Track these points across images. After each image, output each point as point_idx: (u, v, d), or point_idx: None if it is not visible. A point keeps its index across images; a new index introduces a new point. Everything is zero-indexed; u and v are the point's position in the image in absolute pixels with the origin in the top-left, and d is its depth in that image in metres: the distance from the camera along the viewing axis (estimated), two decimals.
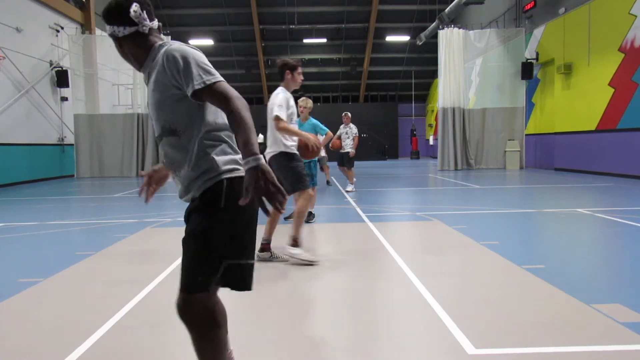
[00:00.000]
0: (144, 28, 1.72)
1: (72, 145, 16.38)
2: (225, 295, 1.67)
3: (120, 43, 1.74)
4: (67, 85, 15.69)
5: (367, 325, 2.78)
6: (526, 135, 16.96)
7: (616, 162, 12.07)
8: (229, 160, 1.69)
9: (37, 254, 4.89)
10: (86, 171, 16.37)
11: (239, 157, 1.72)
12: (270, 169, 1.47)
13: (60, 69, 15.55)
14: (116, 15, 1.68)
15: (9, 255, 4.83)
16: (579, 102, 13.66)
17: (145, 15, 1.71)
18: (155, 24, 1.79)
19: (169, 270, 4.00)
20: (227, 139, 1.74)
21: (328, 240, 5.25)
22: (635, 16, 11.21)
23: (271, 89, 28.97)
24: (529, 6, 16.13)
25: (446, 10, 17.19)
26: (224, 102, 1.57)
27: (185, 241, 1.68)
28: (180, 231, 5.81)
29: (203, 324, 1.67)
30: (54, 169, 15.51)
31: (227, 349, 1.96)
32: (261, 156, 1.48)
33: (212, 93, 1.58)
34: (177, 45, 1.67)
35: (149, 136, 16.65)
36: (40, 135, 14.76)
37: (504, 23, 18.06)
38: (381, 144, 27.81)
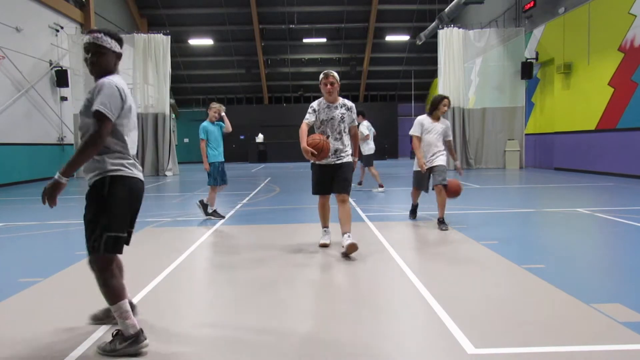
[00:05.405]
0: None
1: (71, 145, 16.36)
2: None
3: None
4: (66, 85, 15.69)
5: (367, 325, 2.78)
6: (526, 134, 16.96)
7: (616, 161, 12.07)
8: (115, 163, 2.44)
9: (37, 254, 4.89)
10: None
11: (127, 162, 2.48)
12: (59, 187, 2.32)
13: (59, 68, 15.55)
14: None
15: (9, 255, 4.83)
16: (578, 102, 13.66)
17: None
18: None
19: (169, 270, 4.00)
20: (120, 148, 2.46)
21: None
22: (635, 16, 11.21)
23: (271, 89, 29.09)
24: (528, 6, 16.13)
25: (446, 10, 17.16)
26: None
27: (84, 216, 2.45)
28: (180, 231, 5.72)
29: (100, 276, 2.45)
30: (54, 168, 15.38)
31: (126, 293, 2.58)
32: (64, 178, 2.31)
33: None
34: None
35: (148, 136, 16.65)
36: (40, 135, 14.76)
37: (504, 23, 18.07)
38: (381, 143, 27.78)
